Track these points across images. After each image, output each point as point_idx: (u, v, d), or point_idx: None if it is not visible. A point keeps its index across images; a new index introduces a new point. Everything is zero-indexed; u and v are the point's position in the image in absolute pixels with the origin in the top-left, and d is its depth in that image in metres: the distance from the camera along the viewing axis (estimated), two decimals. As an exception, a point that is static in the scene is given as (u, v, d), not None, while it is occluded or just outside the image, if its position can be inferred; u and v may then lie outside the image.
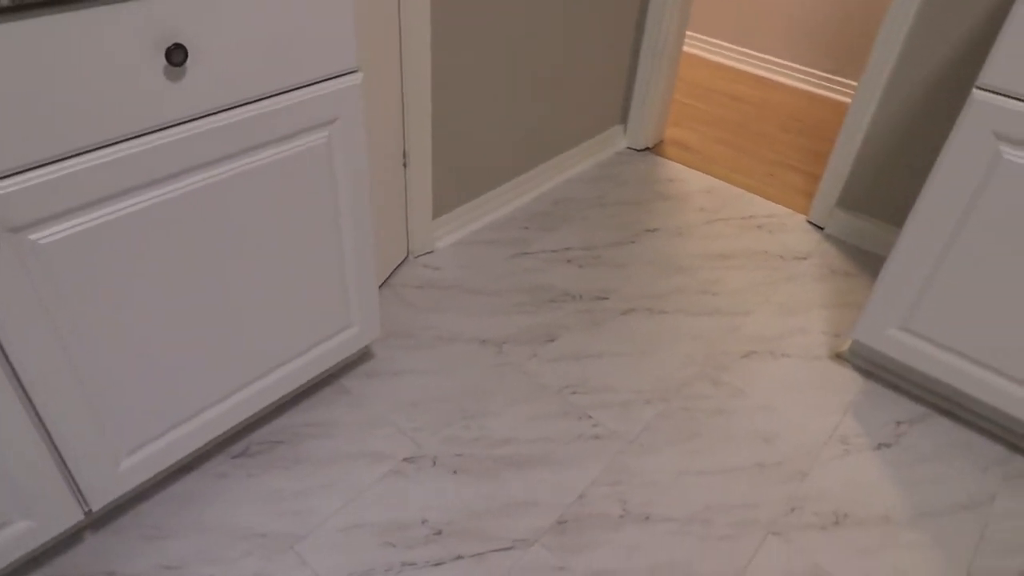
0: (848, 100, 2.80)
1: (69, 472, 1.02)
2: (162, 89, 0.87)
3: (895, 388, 1.53)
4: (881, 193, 1.88)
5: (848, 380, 1.54)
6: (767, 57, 2.97)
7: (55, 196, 0.83)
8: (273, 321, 1.18)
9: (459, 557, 1.16)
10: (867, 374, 1.56)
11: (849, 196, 1.94)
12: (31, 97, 0.76)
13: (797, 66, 2.90)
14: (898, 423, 1.45)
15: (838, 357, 1.60)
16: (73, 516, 1.05)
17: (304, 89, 1.03)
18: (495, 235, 1.91)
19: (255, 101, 0.98)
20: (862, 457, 1.37)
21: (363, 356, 1.51)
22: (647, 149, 2.35)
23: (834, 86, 2.84)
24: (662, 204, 2.09)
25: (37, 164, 0.81)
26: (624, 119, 2.32)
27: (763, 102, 2.75)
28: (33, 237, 0.83)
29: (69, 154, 0.83)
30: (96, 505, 1.07)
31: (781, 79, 2.95)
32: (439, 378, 1.47)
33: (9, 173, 0.79)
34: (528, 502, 1.25)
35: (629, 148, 2.36)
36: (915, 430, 1.44)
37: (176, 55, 0.84)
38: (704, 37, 3.14)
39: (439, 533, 1.20)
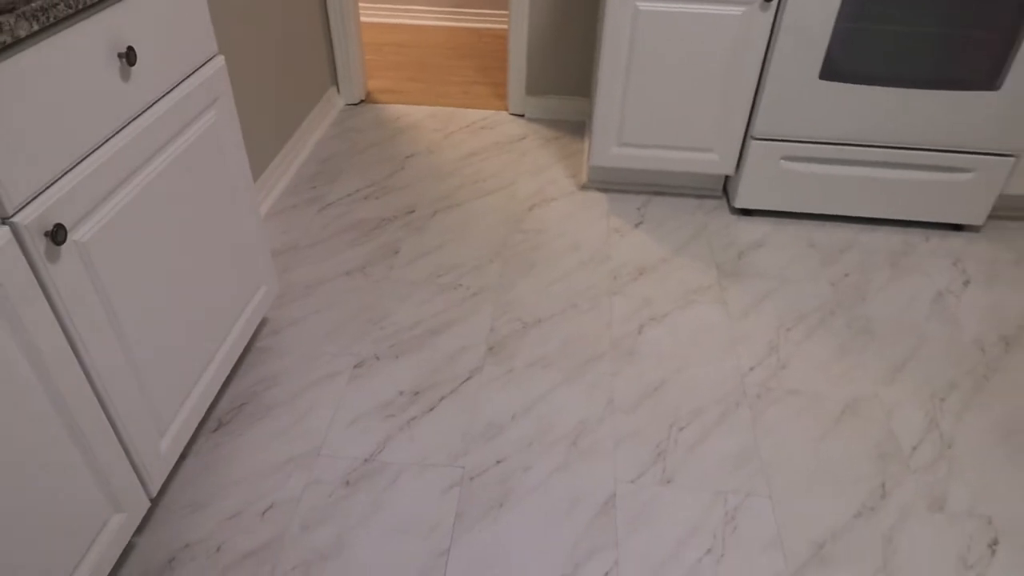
0: (499, 25, 3.46)
1: (132, 460, 1.11)
2: (123, 88, 1.01)
3: (625, 191, 2.20)
4: (552, 75, 2.55)
5: (597, 198, 2.18)
6: (420, 8, 3.48)
7: (82, 197, 0.95)
8: (223, 284, 1.34)
9: (442, 398, 1.51)
10: (605, 190, 2.21)
11: (532, 86, 2.57)
12: (33, 118, 0.89)
13: (449, 9, 3.47)
14: (638, 209, 2.13)
15: (584, 187, 2.22)
16: (144, 503, 1.15)
17: (195, 75, 1.21)
18: (291, 201, 2.13)
19: (174, 89, 1.15)
20: (630, 235, 2.02)
21: (261, 322, 1.68)
22: (362, 102, 2.71)
23: (487, 17, 3.47)
24: (404, 136, 2.49)
25: (61, 174, 0.92)
26: (335, 81, 2.63)
27: (432, 43, 3.26)
28: (75, 238, 0.95)
29: (77, 160, 0.95)
30: (154, 490, 1.17)
31: (440, 23, 3.49)
32: (333, 311, 1.73)
33: (46, 186, 0.90)
34: (461, 348, 1.63)
35: (348, 105, 2.69)
36: (649, 209, 2.13)
37: (131, 56, 1.00)
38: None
39: (417, 394, 1.52)
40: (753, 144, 1.96)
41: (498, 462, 1.38)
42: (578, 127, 2.59)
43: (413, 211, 2.10)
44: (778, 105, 1.88)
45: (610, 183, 2.22)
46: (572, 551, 1.23)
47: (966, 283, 1.88)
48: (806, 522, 1.28)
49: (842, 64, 1.80)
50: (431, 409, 1.48)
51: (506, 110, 2.67)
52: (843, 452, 1.42)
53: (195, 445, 1.40)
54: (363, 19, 3.53)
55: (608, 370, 1.58)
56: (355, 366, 1.58)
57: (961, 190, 1.97)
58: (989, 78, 1.78)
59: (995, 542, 1.26)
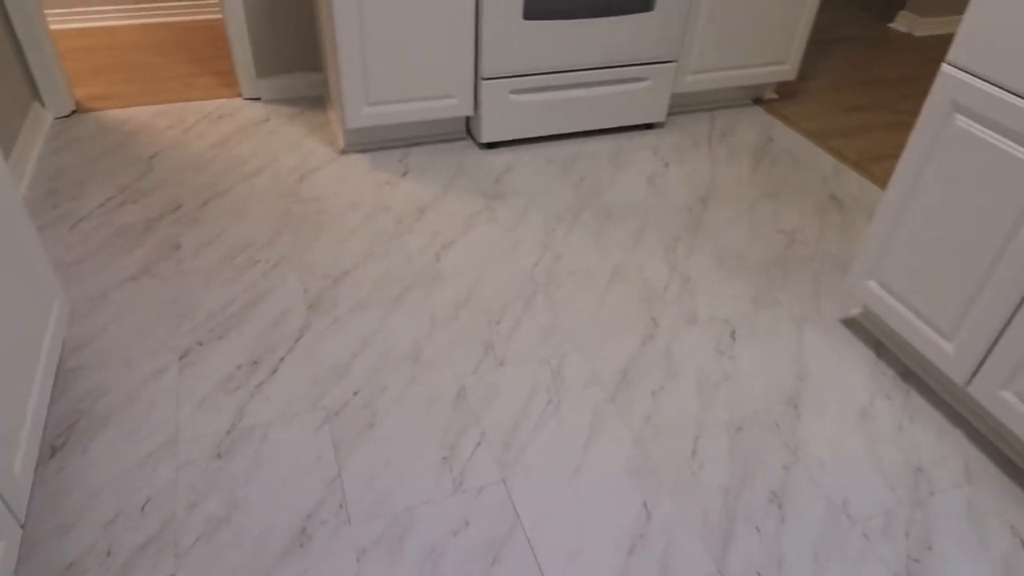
0: (198, 16, 3.31)
1: None
2: None
3: (383, 148, 2.37)
4: (280, 55, 2.59)
5: (359, 159, 2.32)
6: (108, 8, 3.19)
7: None
8: (16, 304, 1.27)
9: (281, 359, 1.58)
10: (364, 150, 2.36)
11: (262, 68, 2.59)
12: None
13: (139, 6, 3.23)
14: (400, 161, 2.32)
15: (344, 152, 2.35)
16: (16, 530, 1.09)
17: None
18: (35, 224, 1.95)
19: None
20: (401, 185, 2.20)
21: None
22: (74, 112, 2.49)
23: (183, 10, 3.29)
24: (138, 138, 2.37)
25: None
26: (37, 95, 2.39)
27: (130, 43, 3.04)
28: None
29: None
30: (21, 514, 1.12)
31: (132, 21, 3.24)
32: (133, 315, 1.67)
33: None
34: (282, 312, 1.70)
35: (58, 118, 2.45)
36: (410, 159, 2.33)
37: None
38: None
39: (255, 363, 1.57)
40: (484, 84, 2.25)
41: (355, 393, 1.51)
42: (317, 100, 2.68)
43: (180, 206, 2.06)
44: (495, 46, 2.18)
45: (367, 143, 2.37)
46: (443, 439, 1.42)
47: (666, 165, 2.38)
48: (609, 359, 1.62)
49: (539, 4, 2.14)
50: (274, 371, 1.55)
51: (240, 96, 2.65)
52: (619, 305, 1.78)
53: (36, 476, 1.32)
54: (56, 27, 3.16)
55: (422, 295, 1.78)
56: (181, 357, 1.57)
57: (644, 96, 2.47)
58: (645, 2, 2.26)
59: (733, 332, 1.72)
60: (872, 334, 1.72)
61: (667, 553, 1.24)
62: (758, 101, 2.80)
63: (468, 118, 2.45)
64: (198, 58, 2.95)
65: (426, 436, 1.43)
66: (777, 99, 2.83)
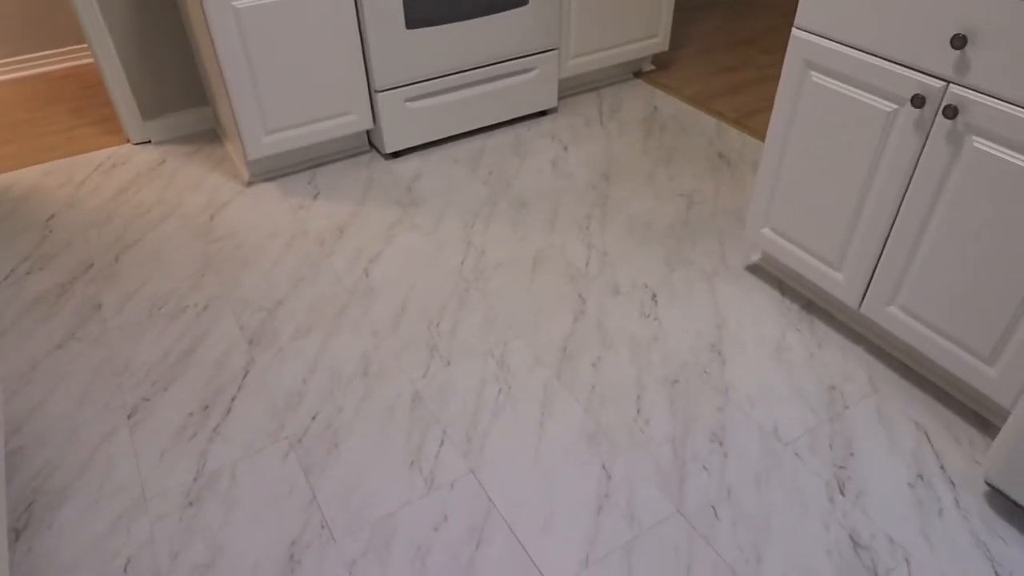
0: (64, 64, 3.15)
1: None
2: None
3: (289, 173, 2.38)
4: (163, 94, 2.54)
5: (267, 188, 2.32)
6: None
7: None
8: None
9: (233, 399, 1.60)
10: (271, 178, 2.36)
11: (147, 110, 2.53)
12: None
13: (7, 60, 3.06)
14: (309, 183, 2.33)
15: (250, 184, 2.34)
16: None
17: None
18: (-64, 311, 1.87)
19: None
20: (314, 207, 2.23)
21: (-12, 432, 1.54)
22: (-49, 185, 2.37)
23: (46, 60, 3.13)
24: (28, 202, 2.28)
25: None
26: (-94, 173, 2.25)
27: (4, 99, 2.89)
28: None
29: None
30: None
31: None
32: (68, 382, 1.65)
33: None
34: (223, 353, 1.71)
35: (-65, 194, 2.33)
36: (318, 180, 2.35)
37: None
38: None
39: (207, 407, 1.58)
40: (379, 97, 2.29)
41: (313, 418, 1.55)
42: (212, 134, 2.64)
43: (91, 265, 2.01)
44: (384, 59, 2.23)
45: (273, 170, 2.38)
46: (408, 444, 1.49)
47: (565, 148, 2.50)
48: (548, 338, 1.73)
49: (418, 13, 2.20)
50: (228, 412, 1.57)
51: (128, 142, 2.58)
52: (548, 288, 1.89)
53: (10, 561, 1.30)
54: None
55: (359, 312, 1.82)
56: (129, 416, 1.57)
57: (534, 85, 2.57)
58: (519, -3, 2.36)
59: (654, 295, 1.86)
60: (774, 276, 1.91)
61: (631, 504, 1.36)
62: (639, 74, 2.96)
63: (369, 131, 2.49)
64: (77, 108, 2.84)
65: (391, 444, 1.49)
66: (655, 70, 3.00)
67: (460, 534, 1.33)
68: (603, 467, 1.44)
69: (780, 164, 1.66)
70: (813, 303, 1.82)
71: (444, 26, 2.26)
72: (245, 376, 1.65)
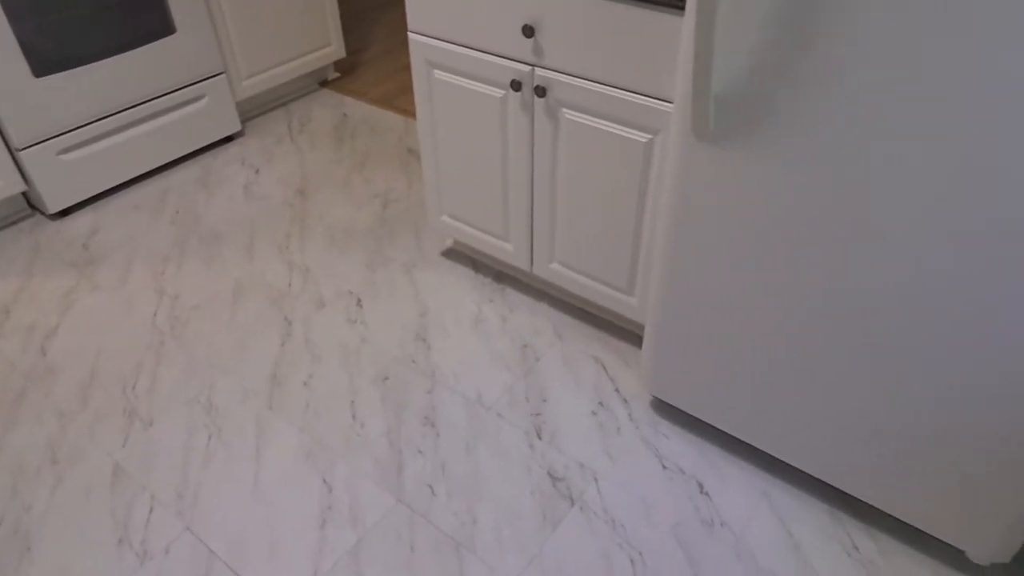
0: None
1: None
2: None
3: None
4: None
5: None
6: None
7: None
8: None
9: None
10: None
11: None
12: None
13: None
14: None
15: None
16: None
17: None
18: None
19: None
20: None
21: None
22: None
23: None
24: None
25: None
26: None
27: None
28: None
29: None
30: None
31: None
32: None
33: None
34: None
35: None
36: (-30, 260, 2.07)
37: None
38: None
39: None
40: (24, 155, 2.07)
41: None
42: None
43: None
44: (17, 114, 2.01)
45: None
46: (112, 521, 1.40)
47: (257, 171, 2.46)
48: (256, 369, 1.71)
49: (44, 59, 2.01)
50: None
51: None
52: (251, 317, 1.86)
53: None
54: None
55: (39, 395, 1.66)
56: None
57: (209, 112, 2.48)
58: (164, 26, 2.24)
59: (359, 300, 1.91)
60: (466, 255, 2.05)
61: (354, 508, 1.41)
62: (324, 83, 2.98)
63: (26, 193, 2.24)
64: None
65: (94, 529, 1.39)
66: (340, 76, 3.04)
67: (182, 595, 1.29)
68: (323, 480, 1.47)
69: (437, 155, 1.78)
70: (503, 273, 1.99)
71: (80, 68, 2.09)
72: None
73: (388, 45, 3.32)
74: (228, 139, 2.62)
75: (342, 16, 3.63)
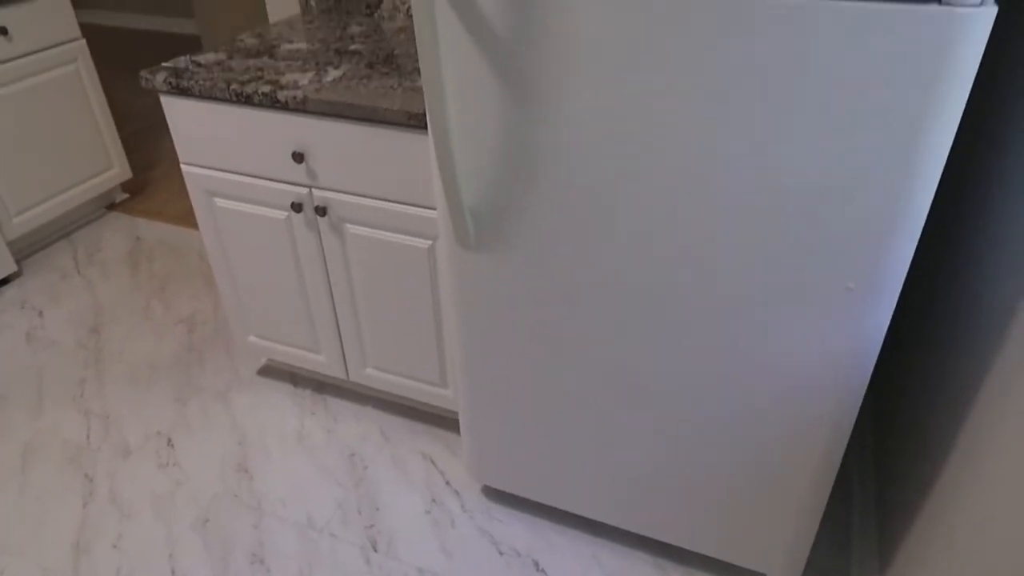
0: None
1: None
2: None
3: None
4: None
5: None
6: None
7: None
8: None
9: None
10: None
11: None
12: None
13: None
14: None
15: None
16: None
17: None
18: None
19: None
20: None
21: None
22: None
23: None
24: None
25: None
26: None
27: None
28: None
29: None
30: None
31: None
32: None
33: None
34: None
35: None
36: None
37: None
38: None
39: None
40: None
41: None
42: None
43: None
44: None
45: None
46: None
47: (40, 313, 2.26)
48: (55, 541, 1.55)
49: None
50: None
51: None
52: (45, 482, 1.69)
53: None
54: None
55: None
56: None
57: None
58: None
59: (169, 440, 1.80)
60: (284, 370, 2.01)
61: (182, 676, 1.31)
62: (112, 207, 2.83)
63: None
64: None
65: None
66: (129, 198, 2.90)
67: None
68: (144, 653, 1.35)
69: (232, 277, 1.75)
70: (323, 383, 1.97)
71: None
72: None
73: (168, 157, 3.22)
74: (2, 282, 2.40)
75: (125, 135, 3.47)
